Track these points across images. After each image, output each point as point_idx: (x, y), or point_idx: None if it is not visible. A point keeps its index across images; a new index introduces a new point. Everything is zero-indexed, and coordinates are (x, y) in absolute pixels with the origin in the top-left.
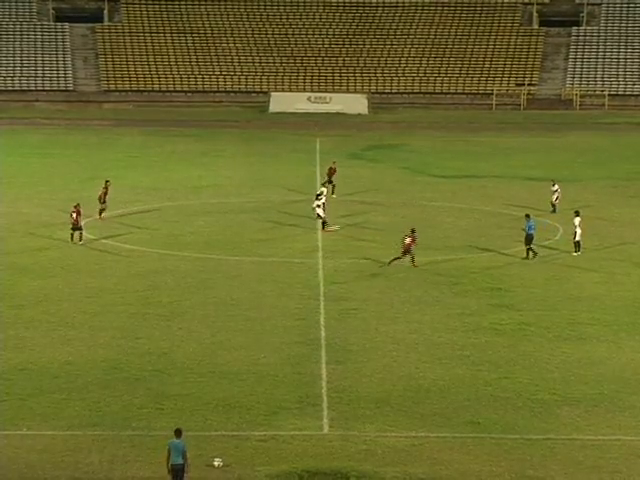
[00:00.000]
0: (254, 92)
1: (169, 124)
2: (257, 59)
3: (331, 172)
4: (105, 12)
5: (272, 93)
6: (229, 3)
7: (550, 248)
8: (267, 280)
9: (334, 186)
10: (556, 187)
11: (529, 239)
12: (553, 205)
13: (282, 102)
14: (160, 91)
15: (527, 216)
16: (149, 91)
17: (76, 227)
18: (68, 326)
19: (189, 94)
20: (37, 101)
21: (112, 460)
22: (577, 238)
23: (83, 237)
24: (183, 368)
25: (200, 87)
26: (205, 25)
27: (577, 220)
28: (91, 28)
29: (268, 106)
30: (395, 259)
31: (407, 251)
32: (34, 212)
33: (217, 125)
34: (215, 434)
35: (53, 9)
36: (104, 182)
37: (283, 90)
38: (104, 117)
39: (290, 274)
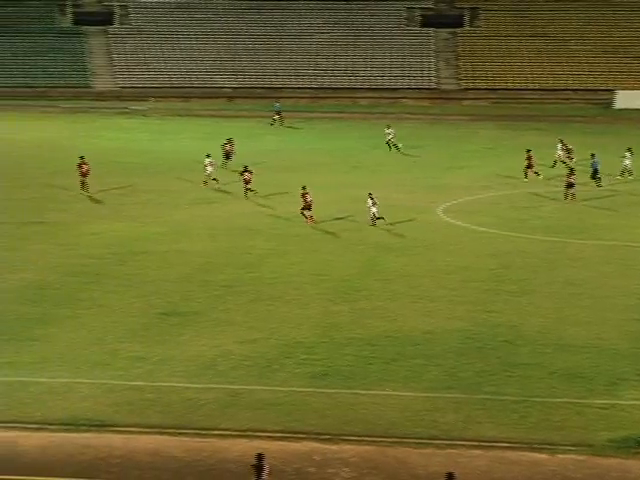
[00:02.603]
0: (599, 90)
1: (521, 119)
2: (603, 59)
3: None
4: (466, 18)
5: (617, 91)
6: (579, 9)
7: None
8: (609, 262)
9: None
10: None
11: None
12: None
13: (627, 99)
14: (513, 89)
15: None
16: (503, 89)
17: (307, 207)
18: (428, 299)
19: (539, 92)
20: (404, 98)
21: (466, 420)
22: None
23: (313, 217)
24: (530, 340)
25: (550, 85)
26: (556, 29)
27: None
28: (452, 32)
29: (613, 103)
30: None
31: None
32: (398, 197)
33: (564, 120)
34: (559, 401)
35: (420, 15)
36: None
37: (628, 88)
38: (463, 112)
39: (631, 257)
